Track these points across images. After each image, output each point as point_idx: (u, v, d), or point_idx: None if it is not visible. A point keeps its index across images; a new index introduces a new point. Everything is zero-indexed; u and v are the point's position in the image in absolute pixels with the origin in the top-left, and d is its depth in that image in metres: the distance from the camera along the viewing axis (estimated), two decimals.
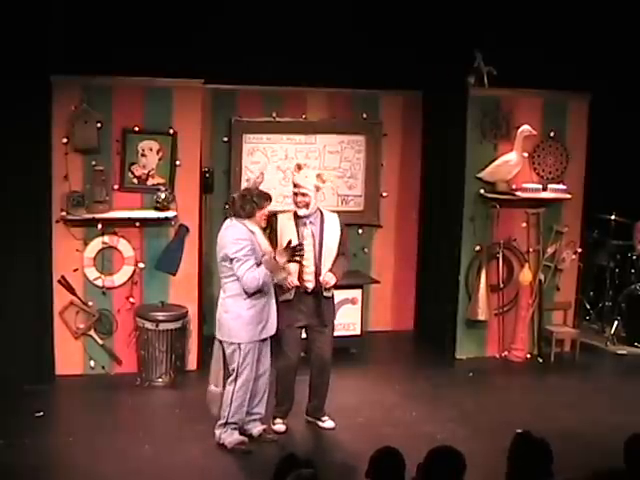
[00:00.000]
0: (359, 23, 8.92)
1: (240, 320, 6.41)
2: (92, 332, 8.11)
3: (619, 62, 9.43)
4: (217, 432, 6.62)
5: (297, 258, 6.43)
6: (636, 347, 9.41)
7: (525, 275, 8.92)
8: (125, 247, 8.10)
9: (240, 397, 6.49)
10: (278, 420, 7.01)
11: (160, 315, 7.97)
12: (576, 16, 9.09)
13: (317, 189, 6.82)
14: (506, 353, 9.04)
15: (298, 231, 6.76)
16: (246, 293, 6.37)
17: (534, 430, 4.39)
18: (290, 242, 6.39)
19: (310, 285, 6.79)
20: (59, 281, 7.99)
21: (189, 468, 6.36)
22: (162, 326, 7.91)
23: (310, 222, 6.81)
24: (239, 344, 6.43)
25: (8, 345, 7.81)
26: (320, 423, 7.11)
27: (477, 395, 7.97)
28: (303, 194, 6.75)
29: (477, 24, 8.88)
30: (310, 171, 6.97)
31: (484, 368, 8.73)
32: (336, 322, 8.64)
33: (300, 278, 6.76)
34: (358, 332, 8.93)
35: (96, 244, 8.03)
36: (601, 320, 9.89)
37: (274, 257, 6.33)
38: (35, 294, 7.92)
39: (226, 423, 6.56)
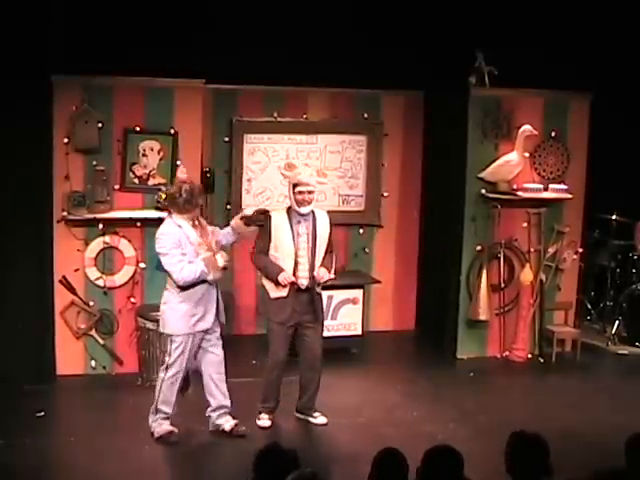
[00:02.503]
0: (360, 23, 8.92)
1: (173, 312, 6.53)
2: (93, 332, 8.12)
3: (620, 62, 9.42)
4: (149, 419, 6.69)
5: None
6: (637, 347, 9.41)
7: (526, 275, 8.92)
8: (126, 247, 8.10)
9: (168, 387, 6.57)
10: (264, 415, 7.04)
11: None
12: (577, 16, 9.08)
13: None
14: (507, 353, 9.04)
15: (292, 228, 6.81)
16: (179, 286, 6.46)
17: (535, 430, 4.38)
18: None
19: (305, 282, 6.82)
20: (60, 281, 7.99)
21: (189, 468, 6.36)
22: None
23: (304, 219, 6.84)
24: (171, 335, 6.54)
25: (9, 345, 7.81)
26: (312, 419, 7.15)
27: (478, 395, 7.96)
28: (310, 192, 6.80)
29: (478, 24, 8.87)
30: (309, 169, 7.02)
31: (485, 368, 8.73)
32: (337, 322, 8.77)
33: (294, 275, 6.80)
34: (359, 332, 8.93)
35: (97, 244, 8.04)
36: (602, 320, 9.88)
37: (214, 256, 6.41)
38: (36, 294, 7.92)
39: (156, 410, 6.63)
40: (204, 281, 6.47)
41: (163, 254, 6.48)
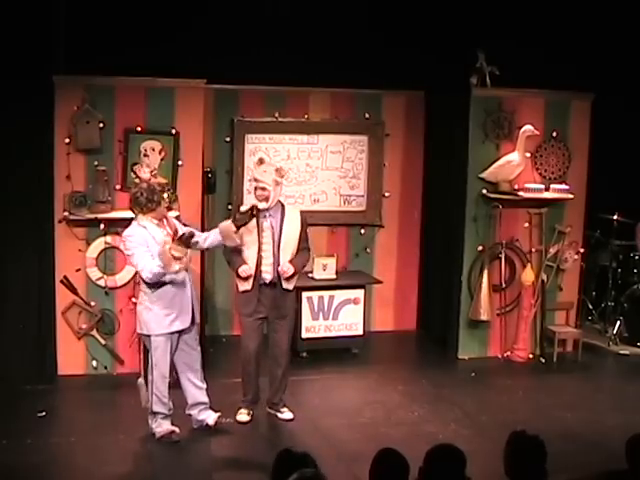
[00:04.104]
0: (362, 23, 8.93)
1: (149, 312, 6.54)
2: (94, 332, 8.12)
3: (622, 62, 9.43)
4: (149, 422, 6.71)
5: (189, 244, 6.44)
6: (638, 347, 9.41)
7: (527, 275, 8.91)
8: None
9: (159, 389, 6.60)
10: (242, 410, 7.11)
11: None
12: (578, 16, 9.09)
13: (276, 183, 6.91)
14: (508, 353, 9.03)
15: (258, 223, 6.87)
16: (150, 285, 6.46)
17: (536, 430, 4.38)
18: (182, 235, 6.38)
19: (268, 276, 6.89)
20: (61, 281, 7.99)
21: (190, 468, 6.36)
22: None
23: (270, 215, 6.92)
24: (149, 336, 6.57)
25: (10, 345, 7.83)
26: (279, 414, 7.20)
27: (479, 395, 7.96)
28: (262, 188, 6.86)
29: (479, 24, 8.88)
30: (269, 166, 7.07)
31: (486, 368, 8.72)
32: (338, 322, 8.76)
33: (258, 269, 6.87)
34: (360, 332, 8.93)
35: (98, 244, 8.04)
36: (603, 320, 9.88)
37: (170, 249, 6.28)
38: (37, 294, 7.93)
39: (153, 413, 6.66)
40: (171, 282, 6.45)
41: (130, 255, 6.51)
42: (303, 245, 7.05)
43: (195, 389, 6.84)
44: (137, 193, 6.49)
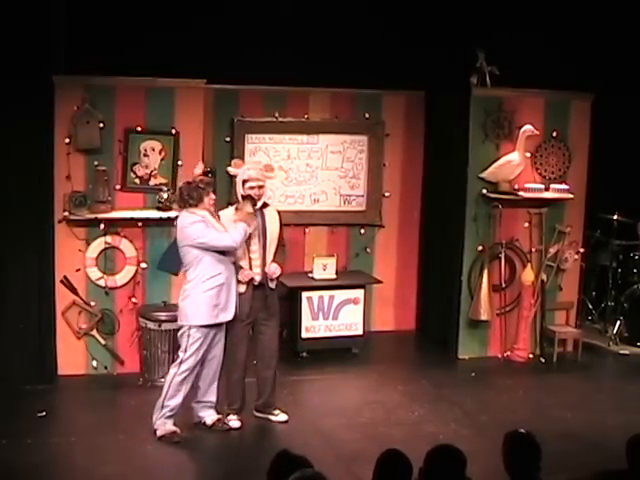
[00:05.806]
0: (361, 23, 8.92)
1: (195, 304, 6.59)
2: (94, 332, 8.11)
3: (622, 62, 9.43)
4: (154, 416, 6.71)
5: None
6: (638, 347, 9.41)
7: (527, 275, 8.92)
8: (127, 247, 8.10)
9: (179, 382, 6.62)
10: (232, 417, 7.01)
11: (162, 315, 7.95)
12: (579, 16, 9.09)
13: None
14: (508, 353, 9.03)
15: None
16: (205, 275, 6.55)
17: (536, 430, 4.39)
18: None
19: (258, 277, 6.86)
20: (61, 281, 7.99)
21: (191, 468, 6.36)
22: (164, 326, 7.88)
23: (255, 215, 6.88)
24: (189, 327, 6.59)
25: (10, 345, 7.83)
26: (273, 417, 7.14)
27: (479, 395, 7.96)
28: (260, 186, 6.87)
29: (480, 24, 8.88)
30: (257, 165, 7.17)
31: (486, 368, 8.73)
32: (338, 322, 8.76)
33: (249, 270, 6.85)
34: (360, 332, 8.93)
35: (98, 244, 8.04)
36: (603, 320, 9.87)
37: (243, 208, 6.70)
38: (37, 294, 7.93)
39: (162, 406, 6.65)
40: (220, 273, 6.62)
41: (201, 238, 6.54)
42: (281, 242, 7.04)
43: (208, 387, 6.86)
44: (180, 189, 6.77)
